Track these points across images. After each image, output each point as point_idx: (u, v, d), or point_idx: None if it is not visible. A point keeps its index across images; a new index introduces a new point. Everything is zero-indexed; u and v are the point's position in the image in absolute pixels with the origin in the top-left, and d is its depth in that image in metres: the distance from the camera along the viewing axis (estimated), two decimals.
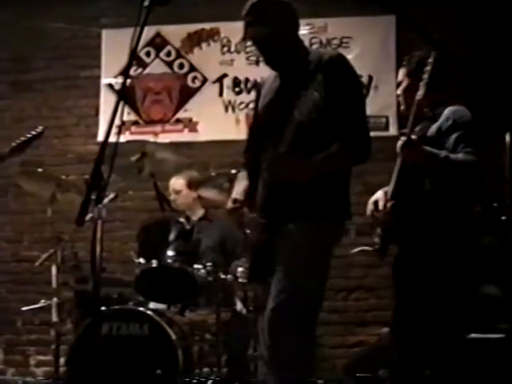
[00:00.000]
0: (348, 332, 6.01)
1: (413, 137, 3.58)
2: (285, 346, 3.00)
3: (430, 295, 3.67)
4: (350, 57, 6.07)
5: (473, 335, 4.38)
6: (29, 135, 4.25)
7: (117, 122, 2.58)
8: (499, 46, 5.96)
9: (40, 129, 4.30)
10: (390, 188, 3.71)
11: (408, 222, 3.74)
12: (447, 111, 3.75)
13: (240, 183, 3.39)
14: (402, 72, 3.95)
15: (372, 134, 3.25)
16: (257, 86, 3.55)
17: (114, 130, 2.57)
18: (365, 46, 6.22)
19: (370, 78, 6.16)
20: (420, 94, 3.66)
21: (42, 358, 6.37)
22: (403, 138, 3.60)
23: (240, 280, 3.48)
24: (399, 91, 3.93)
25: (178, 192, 5.49)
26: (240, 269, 3.41)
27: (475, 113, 3.78)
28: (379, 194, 3.77)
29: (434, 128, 3.74)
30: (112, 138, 2.60)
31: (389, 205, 3.68)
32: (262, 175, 3.23)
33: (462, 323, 3.85)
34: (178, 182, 5.50)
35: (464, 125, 3.71)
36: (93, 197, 2.38)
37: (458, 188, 3.70)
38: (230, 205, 3.31)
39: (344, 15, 6.28)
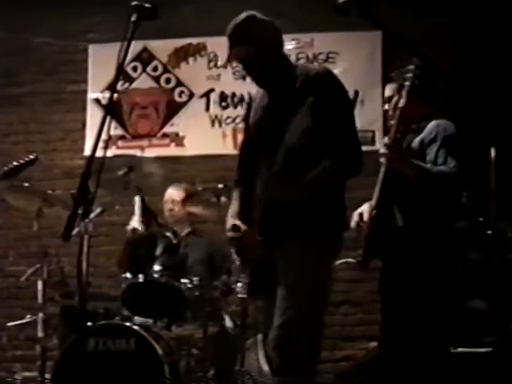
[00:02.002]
0: (335, 346, 5.99)
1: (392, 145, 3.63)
2: (295, 362, 3.03)
3: (415, 307, 3.70)
4: (336, 72, 6.09)
5: (459, 349, 4.39)
6: (22, 161, 4.25)
7: (103, 136, 2.57)
8: (487, 59, 6.01)
9: (33, 155, 4.30)
10: (373, 198, 3.74)
11: (391, 233, 3.77)
12: (431, 124, 3.79)
13: (234, 203, 3.41)
14: (390, 88, 3.98)
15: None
16: (248, 101, 3.60)
17: (101, 144, 2.56)
18: (351, 61, 6.26)
19: (356, 93, 6.18)
20: (402, 101, 3.70)
21: (27, 374, 6.31)
22: (386, 142, 3.64)
23: (239, 295, 3.50)
24: (388, 106, 3.96)
25: (175, 203, 5.47)
26: (239, 284, 3.43)
27: (461, 127, 3.80)
28: (364, 207, 3.79)
29: (417, 141, 3.78)
30: (99, 153, 2.59)
31: (372, 214, 3.71)
32: (257, 193, 3.25)
33: (447, 336, 3.87)
34: (176, 194, 5.47)
35: (447, 138, 3.75)
36: (79, 211, 2.37)
37: (439, 200, 3.74)
38: (230, 233, 3.29)
39: (330, 30, 6.29)
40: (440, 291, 3.72)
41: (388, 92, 4.02)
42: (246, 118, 3.49)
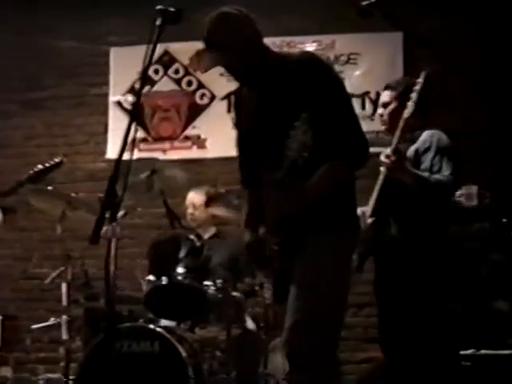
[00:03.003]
0: (357, 348, 5.98)
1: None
2: (304, 365, 2.92)
3: (408, 308, 3.79)
4: (357, 73, 6.29)
5: (482, 351, 4.39)
6: (47, 165, 4.26)
7: (123, 140, 2.58)
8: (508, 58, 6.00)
9: (59, 159, 4.31)
10: (370, 205, 3.77)
11: (387, 239, 3.81)
12: (425, 134, 3.91)
13: (245, 206, 3.34)
14: (388, 94, 4.04)
15: (373, 150, 3.14)
16: (234, 102, 3.42)
17: (123, 147, 2.57)
18: (372, 62, 6.26)
19: (378, 94, 6.15)
20: (408, 112, 3.75)
21: (50, 375, 6.35)
22: (387, 153, 3.67)
23: (266, 301, 3.50)
24: (383, 111, 4.00)
25: (196, 207, 5.50)
26: (267, 290, 3.44)
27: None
28: (359, 212, 3.79)
29: (411, 150, 3.87)
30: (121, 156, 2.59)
31: (369, 221, 3.74)
32: (265, 197, 3.14)
33: (446, 339, 3.91)
34: (197, 197, 5.52)
35: (441, 147, 3.86)
36: (107, 215, 2.38)
37: (434, 207, 3.84)
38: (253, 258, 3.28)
39: (351, 32, 6.30)
40: (432, 295, 3.81)
41: (385, 98, 4.06)
42: (237, 116, 3.35)
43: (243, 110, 3.28)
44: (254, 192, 3.29)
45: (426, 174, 3.77)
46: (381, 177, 3.78)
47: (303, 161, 2.85)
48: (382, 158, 3.72)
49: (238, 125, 3.37)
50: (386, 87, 4.11)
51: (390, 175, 3.73)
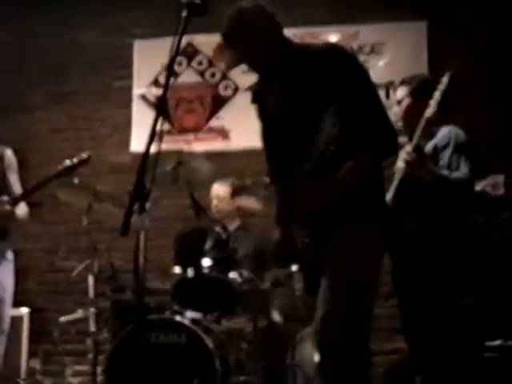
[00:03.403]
0: (385, 339, 5.96)
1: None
2: (336, 355, 2.92)
3: (427, 300, 3.81)
4: (381, 63, 6.25)
5: (511, 342, 4.37)
6: (75, 160, 4.26)
7: (155, 132, 2.58)
8: None
9: (86, 155, 4.31)
10: (388, 197, 3.76)
11: (404, 232, 3.80)
12: (443, 130, 3.91)
13: (276, 207, 3.32)
14: (402, 90, 4.02)
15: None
16: (255, 97, 3.32)
17: (150, 140, 2.57)
18: (397, 52, 6.22)
19: None
20: (430, 111, 3.75)
21: (78, 367, 6.41)
22: (408, 150, 3.67)
23: (297, 293, 3.53)
24: (398, 109, 3.99)
25: (221, 199, 5.51)
26: (297, 281, 3.45)
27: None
28: None
29: (430, 145, 3.88)
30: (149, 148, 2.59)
31: None
32: (295, 190, 3.11)
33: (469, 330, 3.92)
34: (222, 189, 5.53)
35: (459, 144, 3.87)
36: (135, 207, 2.39)
37: (453, 203, 3.84)
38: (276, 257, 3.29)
39: (375, 22, 6.27)
40: (450, 286, 3.82)
41: (400, 94, 4.04)
42: (259, 109, 3.31)
43: (267, 103, 3.24)
44: (283, 185, 3.27)
45: (445, 172, 3.78)
46: (399, 172, 3.79)
47: (331, 154, 2.85)
48: (403, 154, 3.72)
49: (261, 118, 3.33)
50: (402, 83, 4.10)
51: (410, 172, 3.73)
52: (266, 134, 3.36)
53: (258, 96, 3.29)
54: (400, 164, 3.78)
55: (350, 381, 2.92)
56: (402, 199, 3.81)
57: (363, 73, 3.07)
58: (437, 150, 3.89)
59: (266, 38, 3.02)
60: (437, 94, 3.77)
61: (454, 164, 3.83)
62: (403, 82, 4.09)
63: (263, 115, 3.31)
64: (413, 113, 3.88)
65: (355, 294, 2.95)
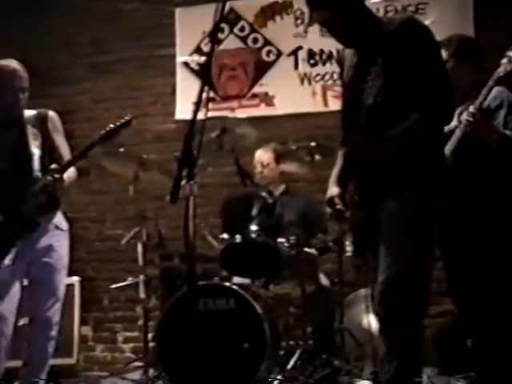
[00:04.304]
0: (432, 302, 5.92)
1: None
2: (399, 317, 2.97)
3: (476, 262, 3.77)
4: (426, 23, 6.05)
5: None
6: (117, 123, 4.28)
7: (197, 99, 2.58)
8: None
9: (128, 117, 4.33)
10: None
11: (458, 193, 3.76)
12: (494, 91, 3.81)
13: (337, 165, 3.36)
14: (443, 53, 3.93)
15: None
16: (339, 60, 3.47)
17: (194, 107, 2.57)
18: (441, 12, 6.09)
19: None
20: (504, 70, 3.66)
21: (128, 334, 6.50)
22: (472, 110, 3.61)
23: (347, 254, 3.54)
24: None
25: (265, 165, 5.50)
26: (347, 243, 3.46)
27: None
28: None
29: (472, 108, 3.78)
30: (190, 116, 2.58)
31: None
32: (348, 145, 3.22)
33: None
34: (265, 155, 5.51)
35: None
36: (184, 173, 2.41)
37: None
38: (328, 209, 3.28)
39: None
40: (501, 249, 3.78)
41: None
42: (341, 76, 3.42)
43: (346, 71, 3.32)
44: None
45: (508, 132, 3.72)
46: (457, 134, 3.73)
47: (378, 107, 2.98)
48: (465, 115, 3.66)
49: (343, 84, 3.42)
50: (441, 44, 4.02)
51: (472, 133, 3.67)
52: (344, 97, 3.42)
53: (340, 62, 3.39)
54: (462, 125, 3.72)
55: (410, 344, 2.98)
56: (460, 161, 3.76)
57: (433, 45, 3.12)
58: (490, 111, 3.81)
59: (350, 4, 3.11)
60: (510, 54, 3.71)
61: (510, 124, 3.76)
62: (441, 45, 4.01)
63: (344, 81, 3.38)
64: (459, 75, 3.80)
65: (417, 259, 3.01)
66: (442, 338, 5.17)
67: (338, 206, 3.22)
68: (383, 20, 3.28)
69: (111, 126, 4.26)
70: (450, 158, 3.67)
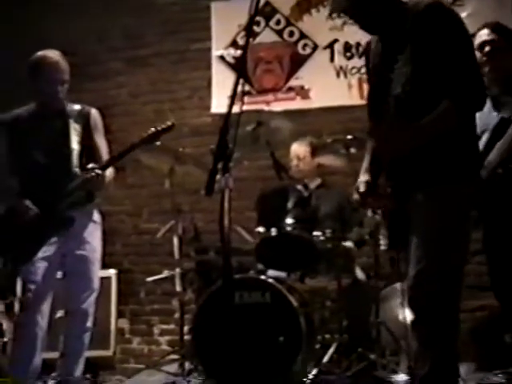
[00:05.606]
0: (470, 296, 5.88)
1: None
2: (430, 312, 2.94)
3: None
4: (464, 14, 6.07)
5: None
6: (159, 128, 4.30)
7: (232, 93, 2.57)
8: None
9: (170, 122, 4.35)
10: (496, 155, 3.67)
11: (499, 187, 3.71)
12: None
13: (367, 156, 3.34)
14: (485, 32, 3.85)
15: None
16: (364, 51, 3.43)
17: (229, 101, 2.57)
18: (479, 4, 6.03)
19: None
20: None
21: (165, 326, 6.53)
22: None
23: (382, 248, 3.53)
24: (479, 54, 3.81)
25: (300, 158, 5.48)
26: (381, 237, 3.45)
27: None
28: None
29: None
30: (225, 109, 2.58)
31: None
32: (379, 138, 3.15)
33: None
34: (301, 149, 5.49)
35: None
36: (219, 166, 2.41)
37: None
38: (356, 196, 3.26)
39: None
40: None
41: (484, 37, 3.89)
42: (367, 66, 3.36)
43: (371, 60, 3.26)
44: None
45: None
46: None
47: (406, 95, 2.93)
48: None
49: (369, 75, 3.37)
50: (485, 26, 3.95)
51: None
52: (371, 91, 3.36)
53: (366, 54, 3.35)
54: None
55: (443, 338, 2.94)
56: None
57: (460, 29, 3.02)
58: None
59: None
60: None
61: None
62: (487, 26, 3.94)
63: (370, 72, 3.34)
64: (502, 56, 3.73)
65: (448, 253, 2.95)
66: (480, 333, 5.14)
67: (361, 190, 3.19)
68: (408, 4, 3.13)
69: (153, 129, 4.27)
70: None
